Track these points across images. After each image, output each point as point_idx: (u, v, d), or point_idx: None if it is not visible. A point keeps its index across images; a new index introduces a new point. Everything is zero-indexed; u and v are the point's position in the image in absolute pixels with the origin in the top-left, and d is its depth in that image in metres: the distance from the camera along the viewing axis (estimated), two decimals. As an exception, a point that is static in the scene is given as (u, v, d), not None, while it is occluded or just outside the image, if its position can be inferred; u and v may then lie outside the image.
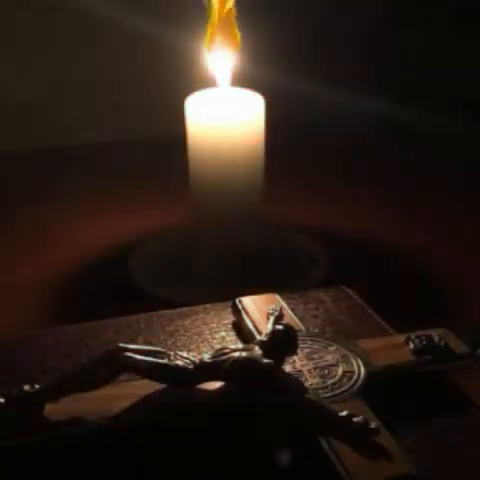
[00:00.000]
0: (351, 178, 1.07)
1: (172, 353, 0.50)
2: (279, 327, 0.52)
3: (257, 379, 0.48)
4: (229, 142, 0.72)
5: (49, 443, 0.45)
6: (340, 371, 0.52)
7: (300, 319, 0.59)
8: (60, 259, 0.84)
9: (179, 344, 0.58)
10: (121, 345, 0.49)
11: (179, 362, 0.49)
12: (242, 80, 0.75)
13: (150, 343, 0.57)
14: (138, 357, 0.48)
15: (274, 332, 0.52)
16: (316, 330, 0.59)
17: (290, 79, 1.09)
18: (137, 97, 1.15)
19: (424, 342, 0.54)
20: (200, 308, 0.63)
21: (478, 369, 0.53)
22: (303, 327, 0.58)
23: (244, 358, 0.49)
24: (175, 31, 1.02)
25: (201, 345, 0.58)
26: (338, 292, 0.65)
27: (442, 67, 1.18)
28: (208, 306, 0.63)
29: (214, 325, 0.60)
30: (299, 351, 0.53)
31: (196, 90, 0.75)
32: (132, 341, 0.57)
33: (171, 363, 0.49)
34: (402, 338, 0.55)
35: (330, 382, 0.51)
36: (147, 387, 0.49)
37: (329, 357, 0.53)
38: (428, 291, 0.77)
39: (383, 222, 0.93)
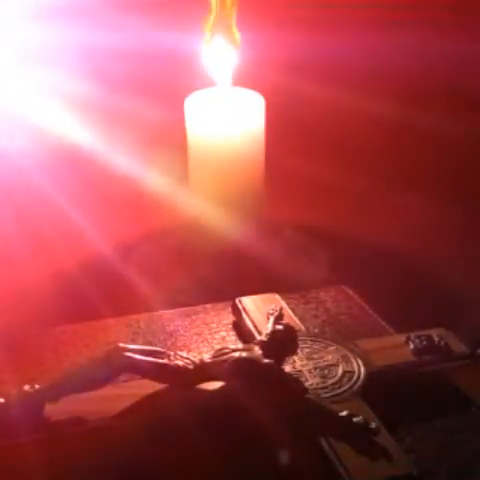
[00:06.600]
0: (351, 178, 1.07)
1: (172, 353, 0.50)
2: (279, 327, 0.52)
3: (257, 379, 0.48)
4: (229, 142, 0.72)
5: (49, 443, 0.45)
6: (340, 371, 0.52)
7: (300, 319, 0.59)
8: (60, 259, 0.84)
9: (179, 344, 0.58)
10: (121, 345, 0.49)
11: (179, 362, 0.49)
12: (242, 80, 0.75)
13: (150, 343, 0.57)
14: (138, 357, 0.48)
15: (274, 332, 0.52)
16: (316, 330, 0.59)
17: (290, 79, 1.09)
18: (137, 97, 1.15)
19: (424, 342, 0.54)
20: (200, 308, 0.63)
21: (478, 369, 0.53)
22: (303, 327, 0.58)
23: (244, 358, 0.49)
24: (175, 31, 1.02)
25: (201, 345, 0.58)
26: (338, 292, 0.66)
27: (443, 67, 1.18)
28: (208, 306, 0.63)
29: (214, 325, 0.60)
30: (299, 351, 0.53)
31: (196, 90, 0.75)
32: (132, 341, 0.57)
33: (171, 363, 0.49)
34: (402, 338, 0.55)
35: (330, 382, 0.51)
36: (147, 387, 0.49)
37: (329, 357, 0.53)
38: (428, 291, 0.77)
39: (383, 221, 0.92)
